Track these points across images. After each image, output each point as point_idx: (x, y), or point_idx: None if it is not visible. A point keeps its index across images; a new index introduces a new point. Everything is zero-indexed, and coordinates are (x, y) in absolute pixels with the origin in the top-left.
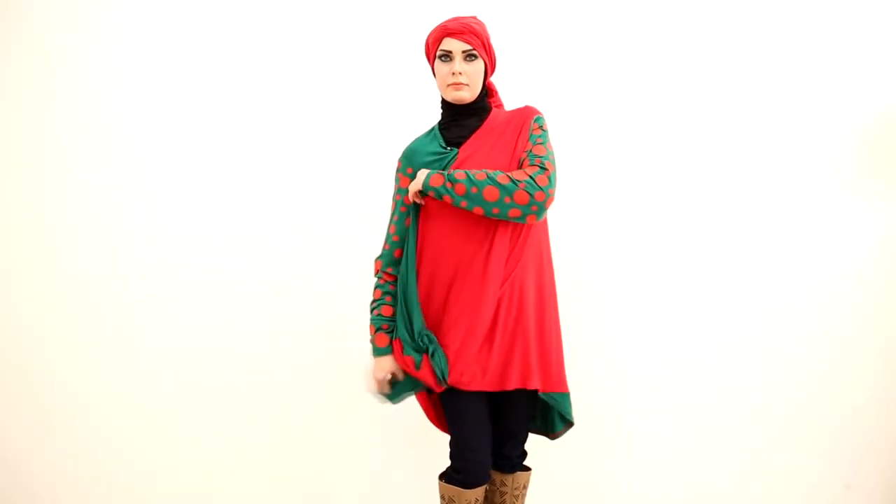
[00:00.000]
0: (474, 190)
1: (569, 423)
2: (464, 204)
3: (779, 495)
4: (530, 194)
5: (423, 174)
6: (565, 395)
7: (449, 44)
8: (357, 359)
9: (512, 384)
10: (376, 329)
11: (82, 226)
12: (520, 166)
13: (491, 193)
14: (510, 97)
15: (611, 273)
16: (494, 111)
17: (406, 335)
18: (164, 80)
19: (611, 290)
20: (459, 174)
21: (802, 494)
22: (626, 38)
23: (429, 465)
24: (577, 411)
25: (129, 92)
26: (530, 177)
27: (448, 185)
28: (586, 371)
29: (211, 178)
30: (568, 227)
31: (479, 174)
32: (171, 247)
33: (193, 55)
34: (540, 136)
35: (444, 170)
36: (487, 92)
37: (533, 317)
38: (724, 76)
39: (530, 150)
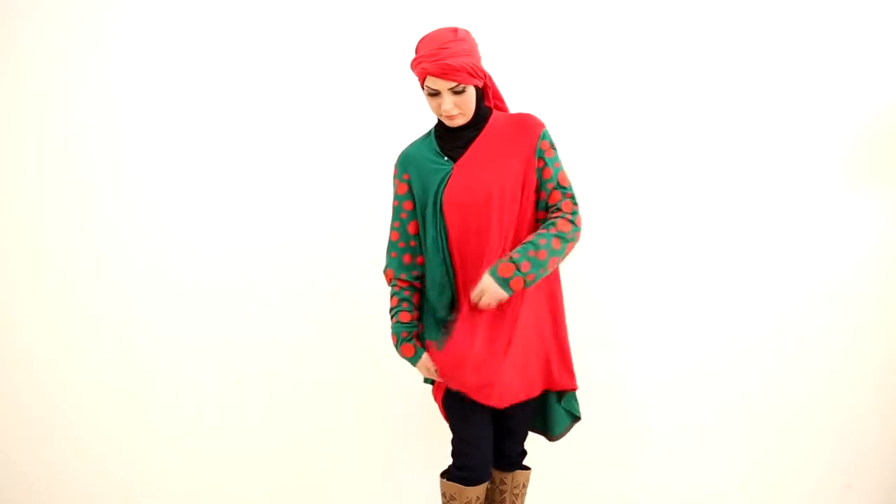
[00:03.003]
0: (541, 271)
1: (575, 419)
2: (532, 277)
3: (779, 495)
4: (577, 240)
5: (490, 282)
6: (573, 393)
7: (434, 83)
8: (357, 359)
9: (527, 394)
10: (398, 340)
11: (82, 227)
12: (538, 191)
13: (553, 262)
14: (509, 100)
15: (613, 273)
16: (493, 116)
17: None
18: (166, 84)
19: (613, 289)
20: (524, 265)
21: (802, 494)
22: (627, 38)
23: (432, 462)
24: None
25: (129, 93)
26: (572, 223)
27: (521, 276)
28: (588, 371)
29: (211, 181)
30: None
31: (540, 252)
32: (171, 248)
33: (194, 62)
34: (556, 159)
35: (505, 262)
36: (483, 94)
37: (546, 319)
38: (725, 78)
39: (557, 182)
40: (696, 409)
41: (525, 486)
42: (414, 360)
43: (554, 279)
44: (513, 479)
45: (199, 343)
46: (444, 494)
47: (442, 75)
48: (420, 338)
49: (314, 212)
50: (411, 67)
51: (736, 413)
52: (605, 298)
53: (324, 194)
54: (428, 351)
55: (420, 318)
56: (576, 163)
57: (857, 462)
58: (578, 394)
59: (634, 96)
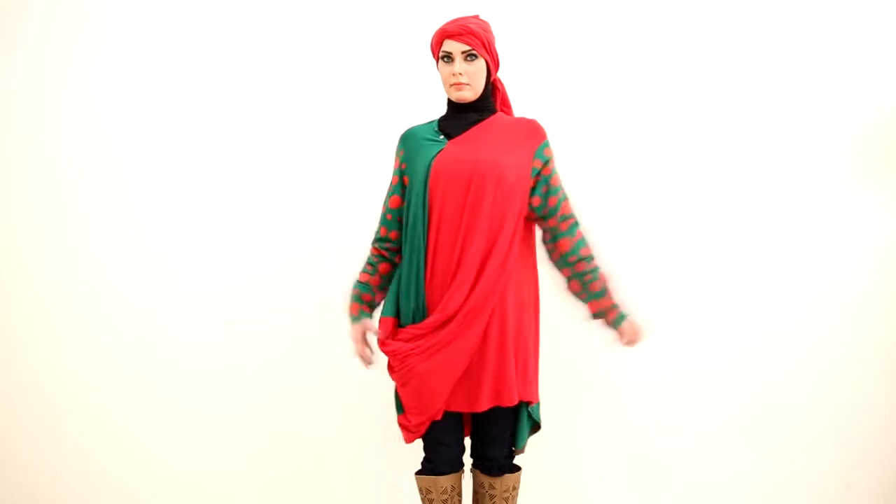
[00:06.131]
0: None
1: (536, 428)
2: None
3: (779, 495)
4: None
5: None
6: (537, 404)
7: (449, 45)
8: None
9: (489, 403)
10: (350, 297)
11: (81, 227)
12: (534, 193)
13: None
14: (513, 99)
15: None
16: (498, 114)
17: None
18: (162, 81)
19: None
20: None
21: (802, 494)
22: (628, 39)
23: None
24: (573, 410)
25: (125, 93)
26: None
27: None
28: (582, 370)
29: (208, 185)
30: None
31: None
32: (168, 251)
33: (189, 64)
34: (557, 174)
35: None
36: (493, 90)
37: (512, 330)
38: (725, 79)
39: (563, 190)
40: (696, 408)
41: (516, 489)
42: (352, 319)
43: (534, 291)
44: (501, 482)
45: (197, 345)
46: (420, 490)
47: (457, 35)
48: (371, 304)
49: (309, 214)
50: (431, 42)
51: (736, 413)
52: None
53: (318, 196)
54: (381, 324)
55: (381, 287)
56: (579, 164)
57: (857, 462)
58: (574, 393)
59: (634, 98)
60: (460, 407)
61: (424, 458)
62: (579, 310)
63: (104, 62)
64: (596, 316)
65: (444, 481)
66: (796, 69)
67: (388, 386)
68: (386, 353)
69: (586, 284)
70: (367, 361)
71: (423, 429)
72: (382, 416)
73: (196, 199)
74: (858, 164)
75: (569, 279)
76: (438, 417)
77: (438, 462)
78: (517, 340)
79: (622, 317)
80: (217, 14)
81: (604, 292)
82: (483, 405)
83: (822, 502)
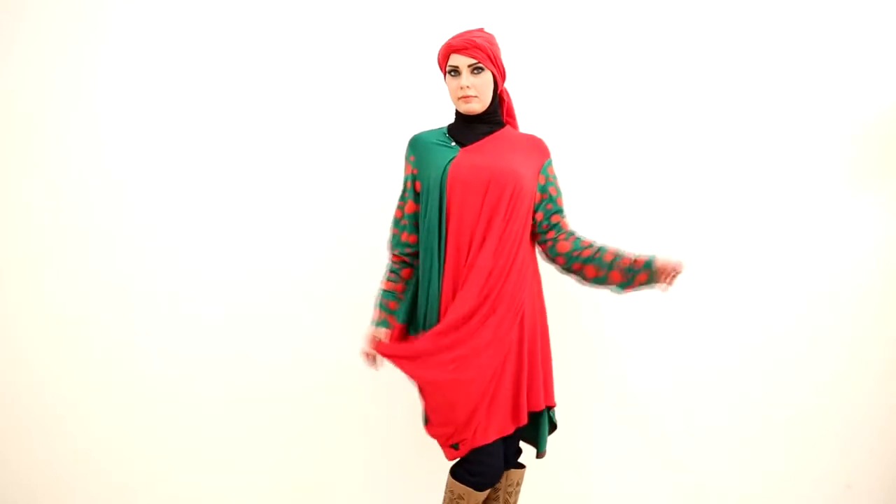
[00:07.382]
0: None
1: (553, 428)
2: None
3: (779, 495)
4: None
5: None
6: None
7: (455, 59)
8: (355, 362)
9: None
10: (375, 305)
11: (81, 227)
12: (536, 209)
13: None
14: (518, 108)
15: None
16: (507, 128)
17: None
18: (163, 83)
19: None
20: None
21: (802, 494)
22: (625, 41)
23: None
24: (574, 410)
25: (125, 94)
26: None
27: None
28: (583, 370)
29: (209, 182)
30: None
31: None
32: (168, 249)
33: (193, 59)
34: (561, 195)
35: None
36: (500, 101)
37: (539, 336)
38: (724, 81)
39: (561, 207)
40: (696, 409)
41: (519, 485)
42: (373, 324)
43: (541, 296)
44: (507, 477)
45: (198, 345)
46: (451, 492)
47: (463, 49)
48: (394, 313)
49: (309, 217)
50: (437, 57)
51: (736, 413)
52: (606, 300)
53: (320, 200)
54: (395, 331)
55: (403, 293)
56: (583, 169)
57: (857, 462)
58: (575, 393)
59: (635, 98)
60: (509, 429)
61: (467, 471)
62: (609, 293)
63: (104, 62)
64: (625, 283)
65: (481, 496)
66: (797, 69)
67: (390, 389)
68: (381, 354)
69: (599, 262)
70: (370, 361)
71: (462, 444)
72: (386, 418)
73: (195, 201)
74: (858, 164)
75: (582, 270)
76: (467, 430)
77: (487, 475)
78: (542, 346)
79: (650, 260)
80: (222, 16)
81: (618, 256)
82: (525, 417)
83: (822, 502)
